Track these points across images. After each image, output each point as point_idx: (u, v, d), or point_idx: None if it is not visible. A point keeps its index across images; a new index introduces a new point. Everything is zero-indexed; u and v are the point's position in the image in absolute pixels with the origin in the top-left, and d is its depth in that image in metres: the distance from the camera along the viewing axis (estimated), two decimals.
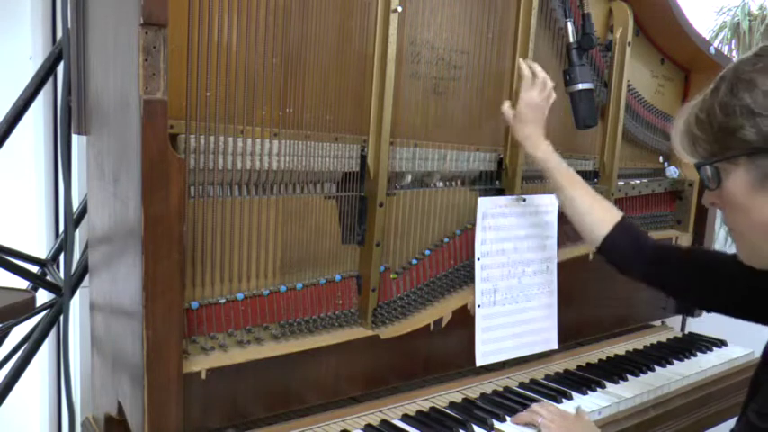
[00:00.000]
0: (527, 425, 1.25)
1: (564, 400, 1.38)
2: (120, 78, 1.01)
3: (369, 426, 1.23)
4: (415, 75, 1.33)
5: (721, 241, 3.11)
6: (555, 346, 1.57)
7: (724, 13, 3.15)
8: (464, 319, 1.42)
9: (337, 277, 1.26)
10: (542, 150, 1.41)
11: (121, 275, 1.06)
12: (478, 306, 1.44)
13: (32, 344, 1.28)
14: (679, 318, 2.05)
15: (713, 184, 0.96)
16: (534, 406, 1.28)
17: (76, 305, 1.41)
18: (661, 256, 1.32)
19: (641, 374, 1.56)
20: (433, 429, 1.23)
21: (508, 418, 1.28)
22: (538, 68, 1.43)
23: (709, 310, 1.61)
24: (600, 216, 1.36)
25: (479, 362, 1.44)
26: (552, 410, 1.27)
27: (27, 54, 1.52)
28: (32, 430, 1.65)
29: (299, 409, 1.21)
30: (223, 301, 1.12)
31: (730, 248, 3.09)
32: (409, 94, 1.32)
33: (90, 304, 1.29)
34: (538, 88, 1.41)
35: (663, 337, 1.88)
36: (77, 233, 1.31)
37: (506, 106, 1.44)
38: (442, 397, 1.38)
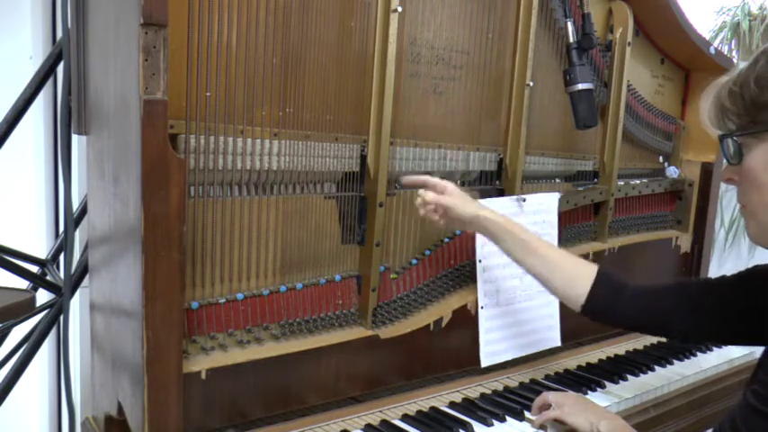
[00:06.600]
0: (542, 408, 1.25)
1: None
2: (120, 78, 1.01)
3: (369, 426, 1.23)
4: (415, 75, 1.33)
5: (721, 242, 3.10)
6: (558, 343, 1.57)
7: (724, 13, 3.15)
8: (464, 319, 1.42)
9: (337, 277, 1.26)
10: (499, 214, 1.28)
11: (121, 275, 1.06)
12: (482, 307, 1.44)
13: (32, 344, 1.28)
14: None
15: (735, 158, 0.94)
16: (542, 395, 1.28)
17: (76, 305, 1.41)
18: (650, 298, 1.25)
19: (641, 374, 1.55)
20: (434, 429, 1.22)
21: (508, 418, 1.28)
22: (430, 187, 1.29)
23: (713, 342, 1.57)
24: (575, 272, 1.26)
25: (484, 363, 1.44)
26: (561, 393, 1.28)
27: (27, 54, 1.52)
28: (32, 430, 1.65)
29: (298, 409, 1.21)
30: (223, 301, 1.12)
31: (730, 249, 3.10)
32: (409, 93, 1.32)
33: (90, 304, 1.29)
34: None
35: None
36: (77, 233, 1.31)
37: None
38: (442, 397, 1.37)
